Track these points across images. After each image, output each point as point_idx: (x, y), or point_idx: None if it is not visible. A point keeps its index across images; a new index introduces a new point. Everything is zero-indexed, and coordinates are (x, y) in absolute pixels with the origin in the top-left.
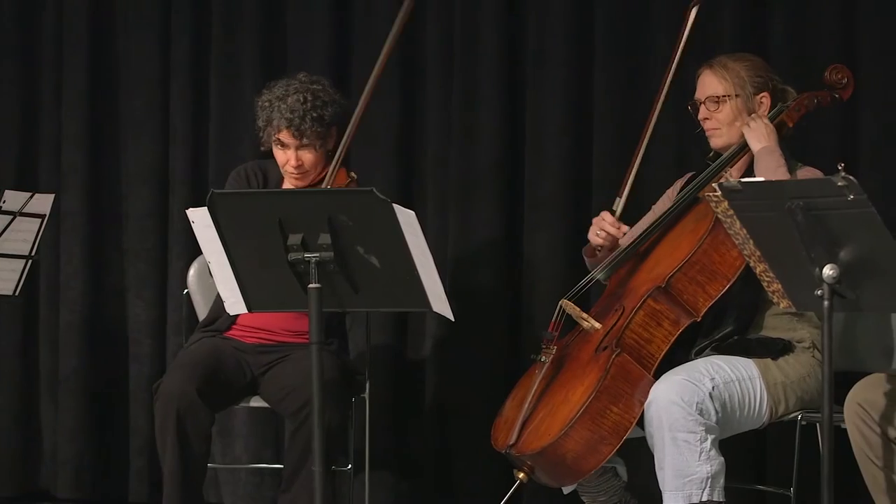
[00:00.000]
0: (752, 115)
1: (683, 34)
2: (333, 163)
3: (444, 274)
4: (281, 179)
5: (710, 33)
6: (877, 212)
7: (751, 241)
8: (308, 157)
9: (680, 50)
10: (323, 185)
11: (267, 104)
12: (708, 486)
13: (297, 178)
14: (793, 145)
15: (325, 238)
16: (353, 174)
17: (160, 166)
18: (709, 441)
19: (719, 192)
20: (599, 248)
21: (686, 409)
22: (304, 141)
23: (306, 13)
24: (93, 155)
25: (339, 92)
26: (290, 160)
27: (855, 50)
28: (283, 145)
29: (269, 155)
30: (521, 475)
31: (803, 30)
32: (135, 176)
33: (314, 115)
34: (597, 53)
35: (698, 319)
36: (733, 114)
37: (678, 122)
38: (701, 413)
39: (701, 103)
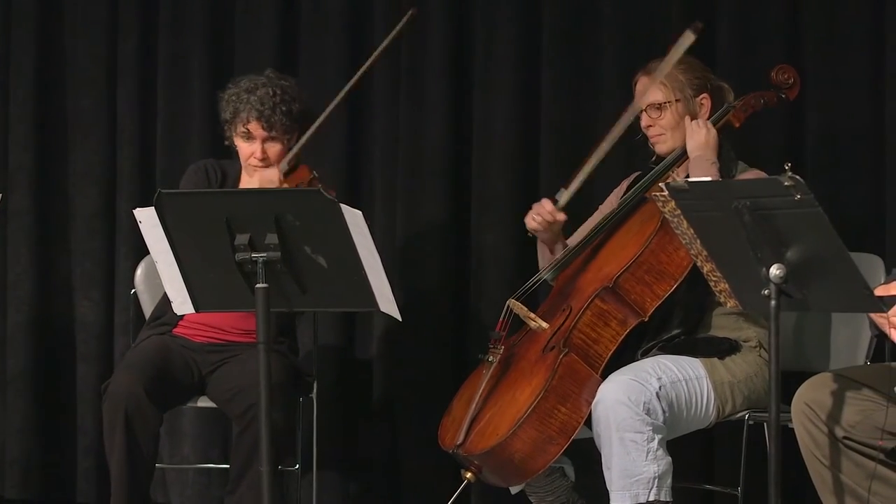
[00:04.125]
0: (697, 120)
1: (672, 57)
2: (290, 154)
3: (392, 273)
4: (238, 180)
5: (657, 34)
6: (823, 211)
7: (698, 241)
8: (274, 149)
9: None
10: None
11: (234, 97)
12: (655, 485)
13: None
14: (738, 145)
15: (272, 238)
16: (315, 172)
17: (107, 166)
18: (656, 441)
19: (666, 192)
20: (533, 233)
21: (633, 409)
22: (273, 133)
23: (253, 13)
24: (40, 155)
25: (304, 93)
26: (256, 152)
27: (800, 50)
28: (250, 137)
29: (228, 153)
30: (469, 475)
31: (749, 30)
32: (82, 176)
33: (283, 108)
34: (544, 51)
35: (646, 319)
36: (676, 119)
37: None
38: (648, 413)
39: (643, 111)
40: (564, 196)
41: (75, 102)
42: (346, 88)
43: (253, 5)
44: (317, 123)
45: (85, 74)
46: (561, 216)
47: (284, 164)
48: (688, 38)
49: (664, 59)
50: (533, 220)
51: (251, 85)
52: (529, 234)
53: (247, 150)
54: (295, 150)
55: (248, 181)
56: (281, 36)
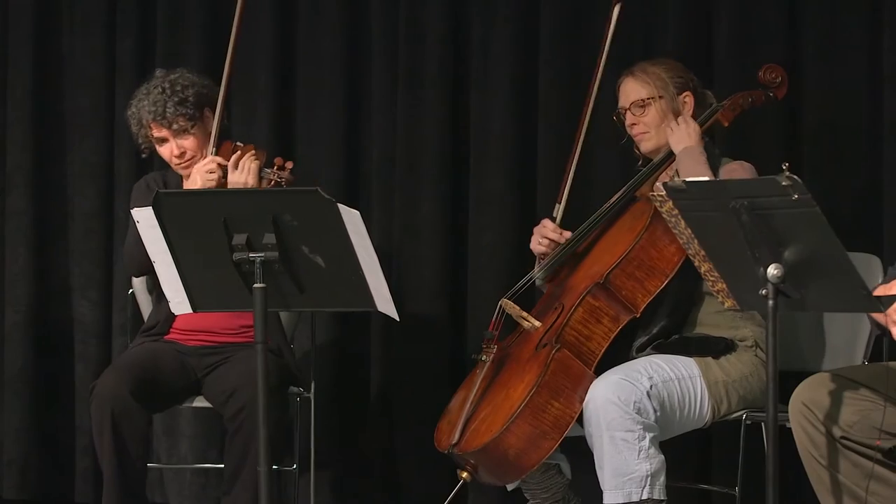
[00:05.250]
0: (677, 118)
1: (608, 35)
2: (212, 135)
3: (389, 273)
4: (180, 184)
5: (655, 34)
6: (821, 211)
7: (695, 241)
8: (187, 142)
9: (605, 52)
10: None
11: (134, 111)
12: (647, 484)
13: (186, 167)
14: (735, 145)
15: (269, 238)
16: (238, 143)
17: (105, 166)
18: (647, 440)
19: (664, 192)
20: (541, 256)
21: (623, 409)
22: (175, 127)
23: (250, 12)
24: (38, 155)
25: (200, 75)
26: (173, 151)
27: (798, 49)
28: (161, 140)
29: (166, 165)
30: (465, 475)
31: (748, 29)
32: (80, 176)
33: (175, 99)
34: (542, 53)
35: (637, 315)
36: (660, 116)
37: (613, 130)
38: (639, 412)
39: (626, 110)
40: (560, 209)
41: (73, 102)
42: (228, 60)
43: (250, 5)
44: (220, 104)
45: (83, 74)
46: (566, 234)
47: (210, 151)
48: (615, 12)
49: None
50: (540, 245)
51: (143, 93)
52: (540, 258)
53: (165, 152)
54: (213, 134)
55: (189, 183)
56: (278, 36)
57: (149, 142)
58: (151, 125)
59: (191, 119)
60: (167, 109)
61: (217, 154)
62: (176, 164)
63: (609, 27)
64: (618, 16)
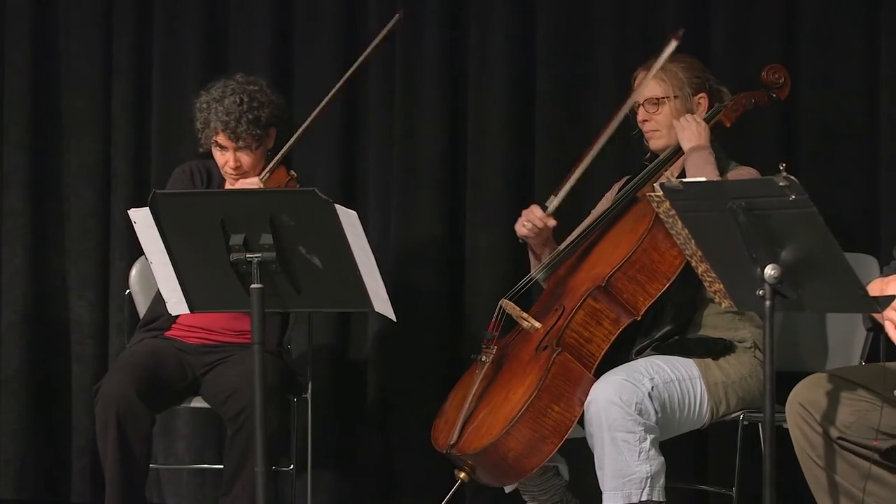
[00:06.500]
0: (686, 115)
1: (656, 63)
2: (273, 162)
3: (386, 273)
4: (223, 179)
5: (654, 34)
6: (818, 212)
7: (692, 241)
8: (246, 158)
9: (650, 75)
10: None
11: (205, 106)
12: (647, 485)
13: (235, 179)
14: (732, 145)
15: (266, 238)
16: (292, 172)
17: (102, 166)
18: (648, 441)
19: (661, 193)
20: (524, 239)
21: (625, 409)
22: (241, 143)
23: (248, 13)
24: (35, 155)
25: (276, 92)
26: (229, 161)
27: (795, 50)
28: (221, 147)
29: (210, 156)
30: (463, 475)
31: (746, 29)
32: (76, 176)
33: (250, 116)
34: (538, 53)
35: (638, 318)
36: (673, 115)
37: (621, 125)
38: (640, 413)
39: (640, 105)
40: (554, 202)
41: (70, 102)
42: (332, 92)
43: (247, 5)
44: (300, 131)
45: (80, 74)
46: (551, 222)
47: (265, 174)
48: (671, 47)
49: (653, 64)
50: (523, 227)
51: (219, 94)
52: (520, 240)
53: (220, 159)
54: (278, 157)
55: (231, 186)
56: (275, 35)
57: (209, 142)
58: (218, 131)
59: (258, 140)
60: (239, 126)
61: (270, 177)
62: (227, 173)
63: (660, 57)
64: (673, 50)
